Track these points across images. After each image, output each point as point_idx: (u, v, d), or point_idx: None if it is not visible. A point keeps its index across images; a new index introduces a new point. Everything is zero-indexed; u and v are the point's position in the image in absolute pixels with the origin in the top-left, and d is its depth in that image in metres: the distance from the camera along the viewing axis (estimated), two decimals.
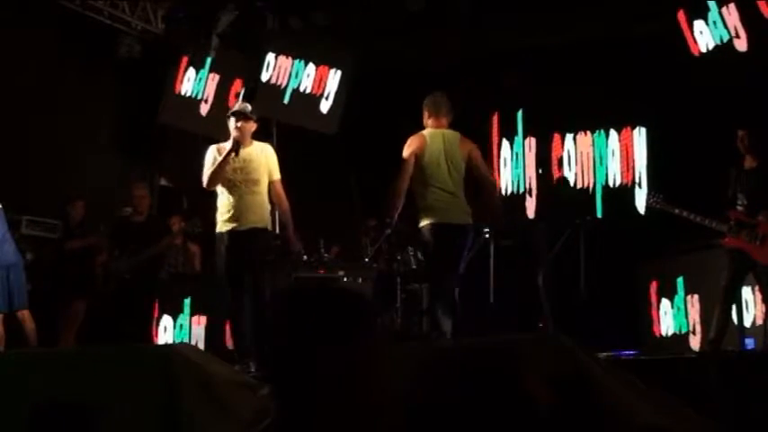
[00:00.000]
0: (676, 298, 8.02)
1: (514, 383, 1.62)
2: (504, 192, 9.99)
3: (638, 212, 9.20)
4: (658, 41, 8.82)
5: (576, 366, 3.74)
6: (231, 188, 6.36)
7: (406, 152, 6.41)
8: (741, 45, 8.16)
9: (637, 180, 9.32)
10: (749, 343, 7.09)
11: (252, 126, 6.47)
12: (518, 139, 10.00)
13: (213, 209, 6.55)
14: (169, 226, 8.50)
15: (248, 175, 6.36)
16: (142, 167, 9.91)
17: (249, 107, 6.58)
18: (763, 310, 6.94)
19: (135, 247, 7.53)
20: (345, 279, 9.04)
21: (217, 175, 6.36)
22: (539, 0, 9.26)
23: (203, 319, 8.38)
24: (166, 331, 8.21)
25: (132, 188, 7.81)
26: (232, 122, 6.37)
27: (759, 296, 7.00)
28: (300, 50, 10.20)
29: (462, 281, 6.54)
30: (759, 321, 7.08)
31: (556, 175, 9.72)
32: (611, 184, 9.47)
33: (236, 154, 6.33)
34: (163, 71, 9.77)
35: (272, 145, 11.20)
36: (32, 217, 8.47)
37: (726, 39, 8.25)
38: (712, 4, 8.30)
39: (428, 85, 10.09)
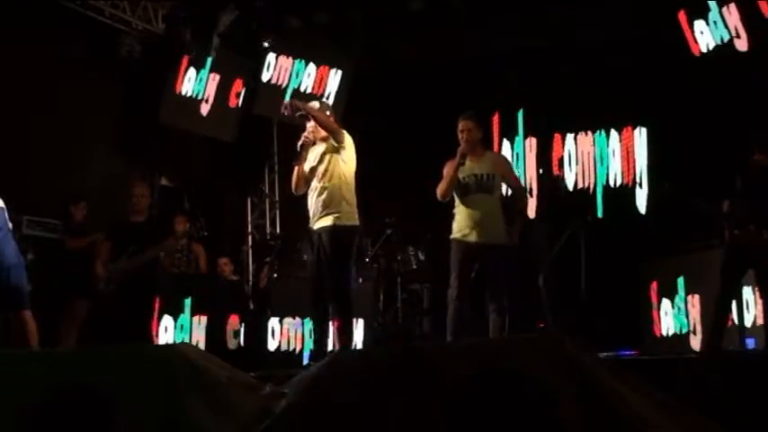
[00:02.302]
0: (677, 298, 8.03)
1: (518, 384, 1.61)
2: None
3: (638, 212, 9.20)
4: (658, 41, 8.82)
5: (578, 366, 3.74)
6: (311, 188, 6.31)
7: None
8: (741, 45, 8.17)
9: (637, 180, 9.33)
10: (749, 343, 7.08)
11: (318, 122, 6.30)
12: (518, 139, 10.01)
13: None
14: (171, 226, 8.50)
15: (318, 173, 6.23)
16: (142, 167, 9.91)
17: (316, 104, 6.44)
18: (764, 310, 6.93)
19: (135, 248, 7.52)
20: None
21: (295, 180, 6.37)
22: (539, 0, 9.27)
23: (204, 318, 8.38)
24: (167, 331, 8.21)
25: (132, 187, 7.79)
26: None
27: (759, 296, 6.98)
28: (301, 50, 10.21)
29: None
30: (759, 321, 7.07)
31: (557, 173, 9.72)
32: (611, 184, 9.48)
33: (296, 158, 6.33)
34: (163, 71, 9.77)
35: (273, 145, 11.39)
36: (33, 217, 8.46)
37: (726, 39, 8.26)
38: (713, 5, 8.31)
39: (428, 85, 10.16)
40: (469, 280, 6.47)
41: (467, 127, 6.57)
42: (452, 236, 6.60)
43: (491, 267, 6.49)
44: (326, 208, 6.15)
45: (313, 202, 6.23)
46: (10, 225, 7.46)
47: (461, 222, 6.54)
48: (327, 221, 6.13)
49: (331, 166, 6.20)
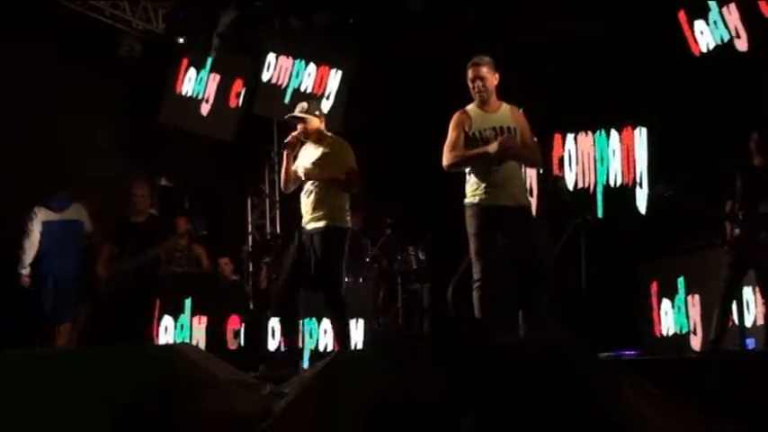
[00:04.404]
0: (677, 298, 8.03)
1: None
2: None
3: (638, 212, 9.19)
4: (659, 41, 8.82)
5: (578, 367, 3.74)
6: (304, 189, 6.22)
7: None
8: (741, 45, 8.17)
9: (638, 180, 9.32)
10: (750, 343, 7.09)
11: (311, 124, 6.18)
12: None
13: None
14: (171, 226, 8.50)
15: (312, 174, 6.15)
16: (142, 167, 9.91)
17: (305, 105, 6.29)
18: (764, 310, 6.94)
19: (135, 248, 7.53)
20: (346, 279, 9.05)
21: (283, 178, 6.31)
22: (539, 0, 9.27)
23: (204, 318, 8.38)
24: (167, 331, 8.21)
25: (133, 187, 7.81)
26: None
27: (759, 296, 6.99)
28: (301, 50, 10.21)
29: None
30: (760, 321, 7.07)
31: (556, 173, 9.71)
32: (611, 183, 9.47)
33: (283, 155, 6.30)
34: (163, 71, 9.78)
35: (273, 145, 11.38)
36: None
37: (726, 39, 8.26)
38: (713, 4, 8.31)
39: (428, 85, 10.15)
40: (492, 253, 5.48)
41: (478, 74, 5.69)
42: (467, 200, 5.59)
43: (519, 234, 5.53)
44: (318, 209, 6.11)
45: (305, 202, 6.20)
46: (87, 231, 7.69)
47: (479, 183, 5.56)
48: (320, 223, 6.09)
49: (325, 168, 6.18)
